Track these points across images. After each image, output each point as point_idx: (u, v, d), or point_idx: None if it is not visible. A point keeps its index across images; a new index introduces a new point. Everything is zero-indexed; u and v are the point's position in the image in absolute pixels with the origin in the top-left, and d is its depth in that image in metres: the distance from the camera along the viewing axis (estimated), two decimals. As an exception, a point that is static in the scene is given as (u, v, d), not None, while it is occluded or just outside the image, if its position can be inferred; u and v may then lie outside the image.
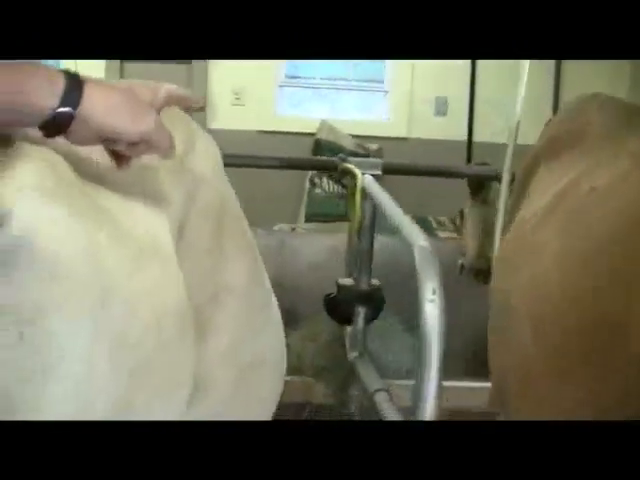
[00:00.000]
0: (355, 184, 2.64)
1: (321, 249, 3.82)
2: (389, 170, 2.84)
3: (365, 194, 2.61)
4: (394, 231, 2.01)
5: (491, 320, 1.75)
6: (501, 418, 2.02)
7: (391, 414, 2.06)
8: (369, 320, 2.78)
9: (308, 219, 4.73)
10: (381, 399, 2.21)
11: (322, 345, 3.06)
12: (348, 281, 2.78)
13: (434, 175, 3.16)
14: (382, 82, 5.36)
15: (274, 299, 1.45)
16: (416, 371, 1.62)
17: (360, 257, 2.72)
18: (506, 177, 2.12)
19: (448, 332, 4.04)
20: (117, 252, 0.98)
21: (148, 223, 1.08)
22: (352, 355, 2.72)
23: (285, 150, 4.21)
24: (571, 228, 1.45)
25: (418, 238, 1.75)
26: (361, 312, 2.74)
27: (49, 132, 0.95)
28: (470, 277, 3.22)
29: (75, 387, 0.92)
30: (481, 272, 3.19)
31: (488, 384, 3.30)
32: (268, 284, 1.43)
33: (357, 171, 2.65)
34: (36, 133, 0.95)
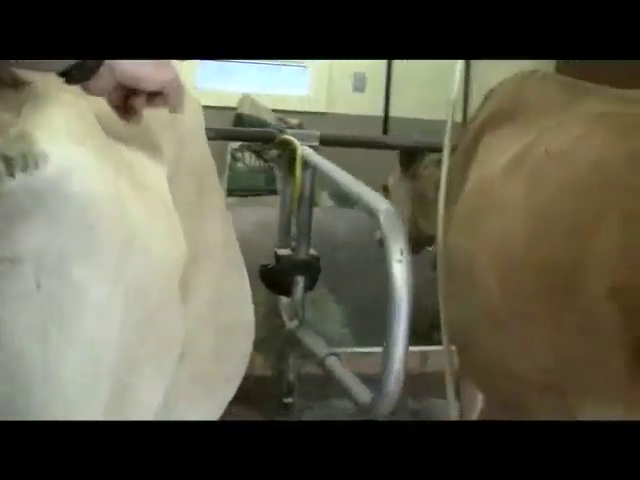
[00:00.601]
0: (294, 156, 2.65)
1: (249, 222, 3.82)
2: (326, 142, 2.84)
3: (304, 165, 2.62)
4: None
5: (448, 279, 1.81)
6: (448, 379, 2.08)
7: (346, 377, 2.09)
8: (307, 289, 2.80)
9: (230, 193, 4.71)
10: (333, 363, 2.24)
11: (260, 317, 3.07)
12: (286, 251, 2.79)
13: (371, 147, 3.19)
14: (301, 57, 5.37)
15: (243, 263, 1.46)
16: (385, 330, 1.66)
17: (299, 227, 2.74)
18: (447, 148, 2.14)
19: (381, 304, 4.09)
20: (136, 201, 0.97)
21: (153, 175, 1.08)
22: (292, 324, 2.74)
23: (206, 124, 4.17)
24: (532, 187, 1.54)
25: (380, 202, 1.79)
26: (300, 282, 2.76)
27: (73, 79, 0.93)
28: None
29: (89, 340, 0.91)
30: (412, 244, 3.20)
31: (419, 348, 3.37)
32: (238, 248, 1.44)
33: (297, 142, 2.65)
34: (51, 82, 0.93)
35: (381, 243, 3.35)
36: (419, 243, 2.93)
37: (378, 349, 3.30)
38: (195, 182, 1.24)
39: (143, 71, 0.98)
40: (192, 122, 1.27)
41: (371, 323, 3.94)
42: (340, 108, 5.25)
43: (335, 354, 2.33)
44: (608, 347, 1.34)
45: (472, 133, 2.03)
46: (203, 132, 1.33)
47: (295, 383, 2.92)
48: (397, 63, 5.34)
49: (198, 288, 1.21)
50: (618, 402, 1.38)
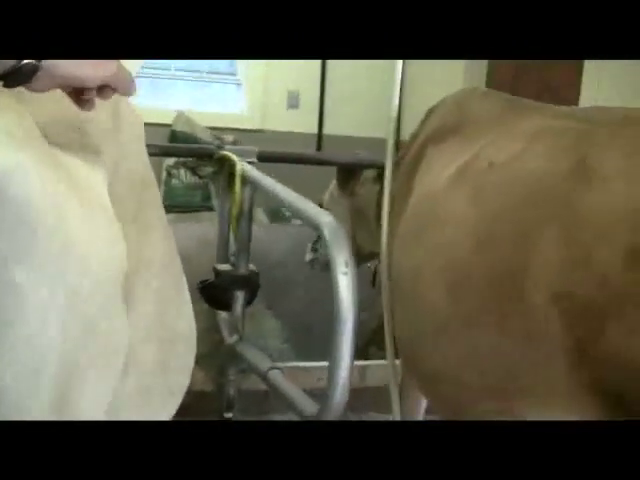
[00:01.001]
0: (233, 171, 2.66)
1: (188, 238, 3.81)
2: (264, 158, 2.86)
3: (243, 181, 2.63)
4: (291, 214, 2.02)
5: (393, 294, 1.84)
6: (392, 391, 2.10)
7: (290, 390, 2.12)
8: (247, 304, 2.81)
9: (167, 210, 4.66)
10: (276, 377, 2.25)
11: (200, 332, 3.06)
12: (226, 267, 2.80)
13: (308, 163, 3.22)
14: (235, 75, 5.38)
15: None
16: (331, 341, 1.69)
17: (239, 243, 2.75)
18: (389, 166, 2.13)
19: (317, 320, 4.08)
20: (75, 205, 0.98)
21: (93, 181, 1.09)
22: (232, 339, 2.74)
23: (143, 141, 4.15)
24: (475, 199, 1.59)
25: (323, 216, 1.81)
26: (240, 297, 2.77)
27: (10, 83, 0.93)
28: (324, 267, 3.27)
29: (30, 345, 0.90)
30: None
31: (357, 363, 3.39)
32: (180, 262, 1.43)
33: (236, 158, 2.66)
34: None
35: (312, 264, 3.39)
36: (359, 259, 2.96)
37: (319, 364, 3.33)
38: (135, 192, 1.24)
39: (83, 72, 0.98)
40: (132, 133, 1.28)
41: (310, 338, 3.97)
42: (274, 125, 5.29)
43: (278, 368, 2.34)
44: (551, 351, 1.39)
45: (415, 149, 2.08)
46: (143, 144, 1.33)
47: (235, 398, 2.92)
48: (330, 82, 5.40)
49: (140, 300, 1.22)
50: (561, 405, 1.43)
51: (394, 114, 2.17)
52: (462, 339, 1.55)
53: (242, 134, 5.07)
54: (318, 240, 3.24)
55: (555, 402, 1.44)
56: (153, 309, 1.25)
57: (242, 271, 2.75)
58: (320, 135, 5.40)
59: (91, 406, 1.04)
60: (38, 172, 0.92)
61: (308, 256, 3.29)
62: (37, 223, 0.90)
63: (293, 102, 5.41)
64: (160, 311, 1.28)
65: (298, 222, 5.02)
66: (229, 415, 2.91)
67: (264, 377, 2.30)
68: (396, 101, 2.15)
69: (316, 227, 1.82)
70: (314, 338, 4.04)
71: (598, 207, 1.34)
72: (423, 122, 2.20)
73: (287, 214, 5.04)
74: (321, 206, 3.25)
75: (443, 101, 2.16)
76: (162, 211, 1.38)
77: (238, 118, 5.32)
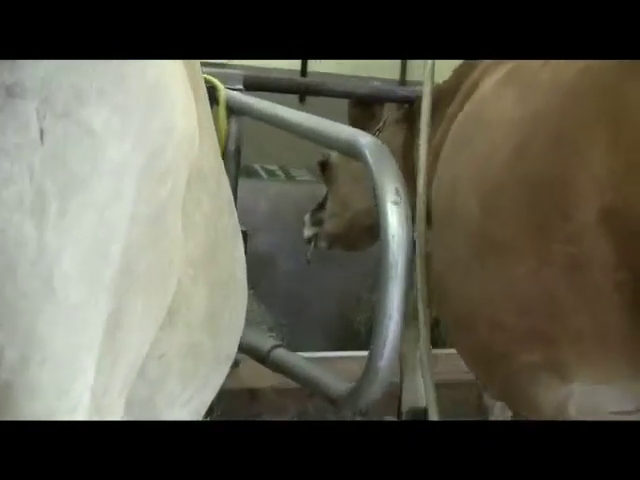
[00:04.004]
0: (216, 99, 2.30)
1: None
2: (251, 85, 2.50)
3: (228, 112, 2.32)
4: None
5: (434, 224, 1.75)
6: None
7: (297, 361, 1.98)
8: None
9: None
10: (282, 355, 2.08)
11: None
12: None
13: (308, 94, 2.80)
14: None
15: None
16: (379, 284, 1.53)
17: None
18: (426, 100, 2.00)
19: (310, 301, 3.73)
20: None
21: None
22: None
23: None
24: (524, 95, 1.60)
25: (361, 136, 1.56)
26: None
27: None
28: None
29: (99, 214, 0.81)
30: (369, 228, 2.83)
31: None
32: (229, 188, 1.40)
33: (219, 83, 2.33)
34: None
35: (309, 241, 2.96)
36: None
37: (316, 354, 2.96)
38: (193, 89, 1.11)
39: None
40: None
41: (301, 324, 3.58)
42: (258, 61, 4.87)
43: (280, 345, 2.14)
44: (601, 284, 1.34)
45: (470, 83, 2.03)
46: None
47: (214, 399, 2.50)
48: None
49: (189, 224, 1.09)
50: (618, 353, 1.36)
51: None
52: (496, 268, 1.50)
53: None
54: (319, 210, 3.04)
55: (610, 349, 1.37)
56: (204, 239, 1.16)
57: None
58: (304, 72, 5.04)
59: (138, 338, 0.94)
60: None
61: (307, 232, 3.08)
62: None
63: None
64: (211, 244, 1.19)
65: (277, 181, 4.62)
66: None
67: (266, 359, 2.08)
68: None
69: (354, 151, 1.55)
70: (306, 324, 3.67)
71: None
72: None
73: (262, 174, 4.74)
74: (326, 165, 2.84)
75: None
76: (212, 122, 1.29)
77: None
